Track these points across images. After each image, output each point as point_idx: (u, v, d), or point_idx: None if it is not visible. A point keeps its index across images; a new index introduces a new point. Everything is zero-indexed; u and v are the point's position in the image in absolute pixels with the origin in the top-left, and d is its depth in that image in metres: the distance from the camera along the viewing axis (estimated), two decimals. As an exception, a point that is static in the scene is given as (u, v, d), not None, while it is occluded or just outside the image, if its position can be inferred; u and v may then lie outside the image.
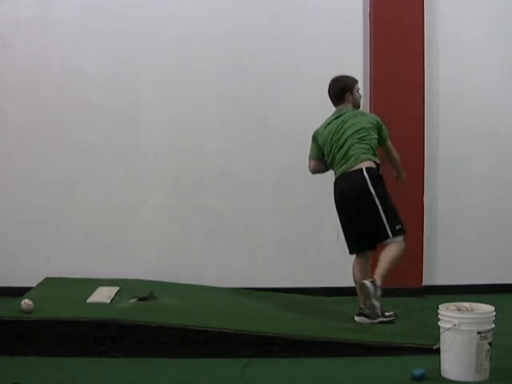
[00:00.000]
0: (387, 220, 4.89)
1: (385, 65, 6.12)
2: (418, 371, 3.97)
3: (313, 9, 6.20)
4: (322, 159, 5.19)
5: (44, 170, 6.11)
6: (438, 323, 4.10)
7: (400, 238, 4.91)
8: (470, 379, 3.95)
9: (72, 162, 6.11)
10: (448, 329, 3.99)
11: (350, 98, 5.11)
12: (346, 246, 5.12)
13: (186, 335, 4.45)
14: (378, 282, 4.71)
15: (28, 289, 5.30)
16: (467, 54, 6.30)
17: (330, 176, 6.25)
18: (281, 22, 6.17)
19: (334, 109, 5.17)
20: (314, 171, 5.28)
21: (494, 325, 4.02)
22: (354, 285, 6.30)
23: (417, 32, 6.10)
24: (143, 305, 4.94)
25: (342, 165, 4.99)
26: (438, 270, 6.30)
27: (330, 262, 6.26)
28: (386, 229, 4.88)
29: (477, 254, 6.35)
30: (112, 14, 6.09)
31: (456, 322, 3.96)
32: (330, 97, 5.17)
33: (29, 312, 4.52)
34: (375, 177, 4.92)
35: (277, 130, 6.20)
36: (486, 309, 4.09)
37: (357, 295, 5.33)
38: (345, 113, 5.07)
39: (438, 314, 4.11)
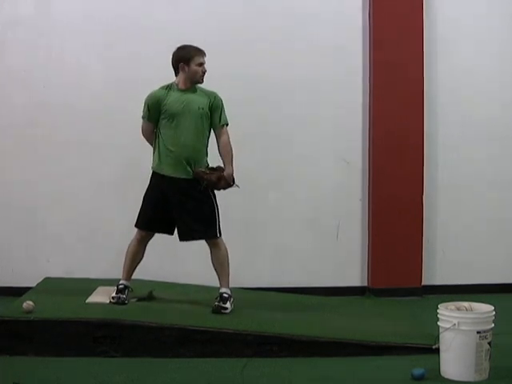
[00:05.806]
0: None
1: (385, 64, 6.11)
2: (418, 371, 3.98)
3: (312, 12, 6.19)
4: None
5: (43, 169, 6.10)
6: (438, 323, 4.10)
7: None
8: (470, 379, 3.95)
9: (72, 161, 6.10)
10: (447, 328, 3.99)
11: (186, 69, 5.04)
12: None
13: (185, 335, 4.45)
14: None
15: (28, 289, 5.30)
16: (467, 54, 6.30)
17: (328, 176, 6.31)
18: (280, 25, 6.17)
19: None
20: None
21: (493, 324, 4.03)
22: (354, 285, 6.32)
23: (417, 32, 6.09)
24: (143, 305, 4.94)
25: None
26: (438, 270, 6.30)
27: (329, 261, 6.26)
28: None
29: (476, 253, 6.34)
30: (112, 14, 6.08)
31: (455, 321, 3.97)
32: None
33: (29, 312, 4.52)
34: None
35: (276, 131, 6.20)
36: (485, 308, 4.10)
37: (357, 295, 5.31)
38: None
39: (437, 313, 4.11)
